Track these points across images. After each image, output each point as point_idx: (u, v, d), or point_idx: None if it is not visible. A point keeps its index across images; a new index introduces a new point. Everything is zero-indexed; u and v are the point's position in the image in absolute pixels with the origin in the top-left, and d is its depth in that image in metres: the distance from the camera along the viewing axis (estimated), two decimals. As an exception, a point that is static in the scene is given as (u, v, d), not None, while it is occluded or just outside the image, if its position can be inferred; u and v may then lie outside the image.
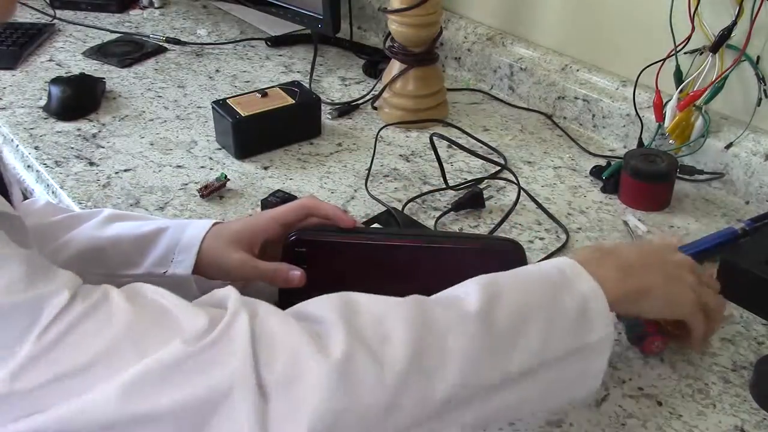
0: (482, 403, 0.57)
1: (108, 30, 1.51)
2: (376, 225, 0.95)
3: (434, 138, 1.05)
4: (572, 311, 0.61)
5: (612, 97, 1.14)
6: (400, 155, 1.11)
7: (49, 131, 1.16)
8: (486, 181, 1.05)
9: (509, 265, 0.71)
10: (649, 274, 0.68)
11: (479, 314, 0.58)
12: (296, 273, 0.73)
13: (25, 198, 0.89)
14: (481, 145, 1.13)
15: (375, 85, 1.29)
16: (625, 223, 0.96)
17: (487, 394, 0.57)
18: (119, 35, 1.48)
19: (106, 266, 0.77)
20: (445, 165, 1.04)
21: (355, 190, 1.03)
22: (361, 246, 0.74)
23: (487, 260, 0.72)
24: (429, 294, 0.72)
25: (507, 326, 0.58)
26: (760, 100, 1.00)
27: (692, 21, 1.00)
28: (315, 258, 0.74)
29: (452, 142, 1.05)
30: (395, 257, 0.73)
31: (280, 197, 0.98)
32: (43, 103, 1.22)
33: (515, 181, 1.02)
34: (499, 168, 1.07)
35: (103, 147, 1.12)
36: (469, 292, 0.60)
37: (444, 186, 1.03)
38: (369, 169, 1.06)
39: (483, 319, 0.58)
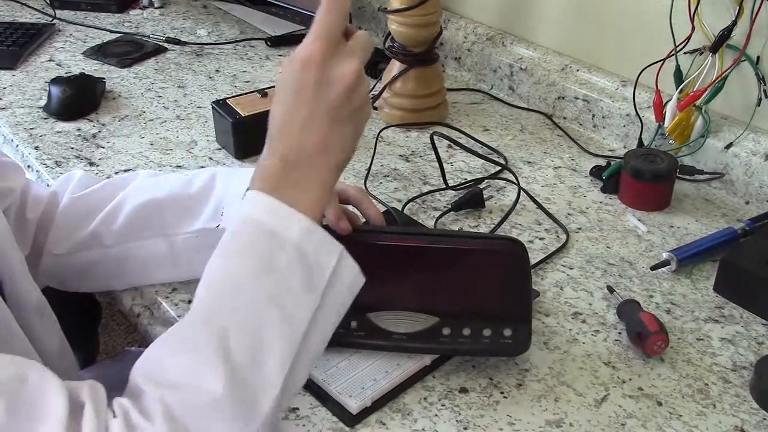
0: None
1: (108, 30, 1.51)
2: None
3: (434, 137, 1.05)
4: (297, 271, 0.57)
5: (612, 97, 1.14)
6: (400, 155, 1.11)
7: (49, 131, 1.16)
8: (486, 181, 1.05)
9: (512, 266, 0.71)
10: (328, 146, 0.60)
11: (225, 388, 0.54)
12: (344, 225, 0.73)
13: None
14: (480, 145, 1.13)
15: (375, 85, 1.29)
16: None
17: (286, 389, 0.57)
18: (119, 35, 1.48)
19: (160, 228, 0.80)
20: (445, 165, 1.04)
21: (355, 190, 1.03)
22: (359, 246, 0.73)
23: (489, 260, 0.72)
24: (427, 296, 0.73)
25: (247, 360, 0.55)
26: (760, 100, 1.00)
27: (692, 21, 1.00)
28: None
29: (453, 141, 1.05)
30: (395, 257, 0.72)
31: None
32: (43, 103, 1.22)
33: (515, 181, 1.02)
34: (500, 168, 1.07)
35: (103, 147, 1.12)
36: (199, 346, 0.55)
37: (444, 186, 1.02)
38: (368, 169, 1.06)
39: (231, 379, 0.54)
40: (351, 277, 0.61)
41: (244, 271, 0.58)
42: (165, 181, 0.83)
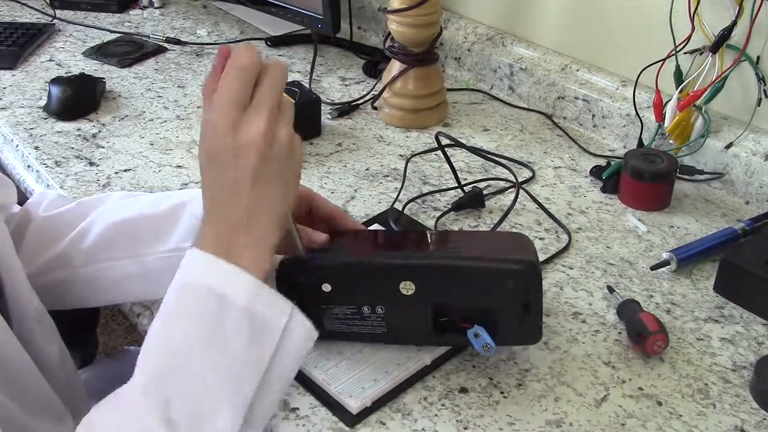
0: None
1: (108, 30, 1.51)
2: (376, 225, 0.95)
3: (440, 137, 1.04)
4: (244, 335, 0.56)
5: (612, 97, 1.14)
6: (400, 155, 1.11)
7: (49, 131, 1.16)
8: (487, 181, 1.04)
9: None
10: (261, 204, 0.60)
11: None
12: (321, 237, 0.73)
13: (25, 199, 0.89)
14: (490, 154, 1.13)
15: (375, 85, 1.29)
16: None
17: None
18: (119, 35, 1.48)
19: (130, 248, 0.78)
20: (444, 165, 1.04)
21: (355, 190, 1.03)
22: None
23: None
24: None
25: (191, 430, 0.55)
26: (760, 100, 1.00)
27: (692, 21, 1.00)
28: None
29: (458, 144, 1.05)
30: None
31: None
32: (43, 103, 1.22)
33: (514, 181, 1.02)
34: (508, 170, 1.07)
35: (103, 147, 1.12)
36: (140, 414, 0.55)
37: (448, 187, 1.02)
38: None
39: None
40: (303, 335, 0.59)
41: (188, 338, 0.57)
42: (136, 202, 0.81)
